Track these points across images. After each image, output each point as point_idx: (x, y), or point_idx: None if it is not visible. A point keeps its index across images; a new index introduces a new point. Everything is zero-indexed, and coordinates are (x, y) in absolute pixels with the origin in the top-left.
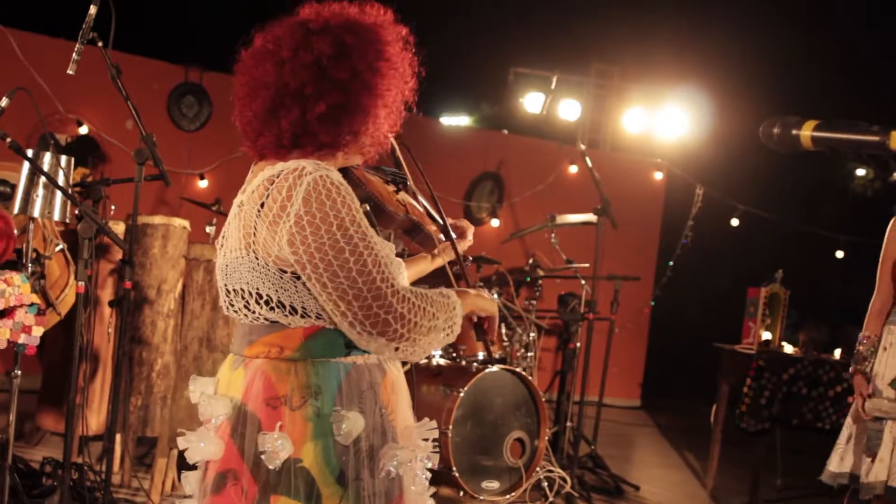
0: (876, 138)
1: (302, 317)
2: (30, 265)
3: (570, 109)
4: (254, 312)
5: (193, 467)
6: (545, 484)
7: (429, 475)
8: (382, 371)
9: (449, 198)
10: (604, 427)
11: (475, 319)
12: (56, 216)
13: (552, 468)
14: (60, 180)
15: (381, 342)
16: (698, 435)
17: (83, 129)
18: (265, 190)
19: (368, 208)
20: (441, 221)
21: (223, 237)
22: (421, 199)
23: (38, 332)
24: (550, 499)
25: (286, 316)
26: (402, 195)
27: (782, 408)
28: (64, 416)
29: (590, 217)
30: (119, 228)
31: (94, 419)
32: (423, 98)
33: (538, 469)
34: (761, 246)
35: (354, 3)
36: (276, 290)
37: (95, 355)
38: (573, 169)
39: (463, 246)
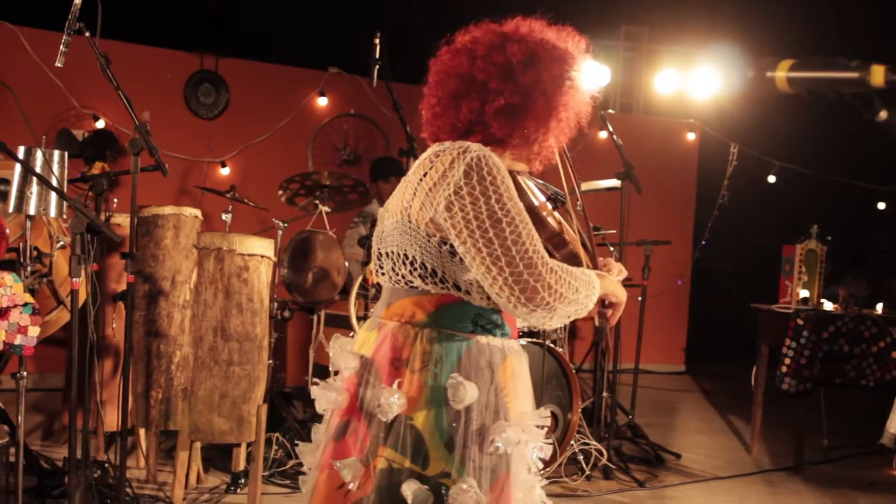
0: (855, 75)
1: (441, 281)
2: (29, 264)
3: (600, 74)
4: (398, 274)
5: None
6: (581, 457)
7: (541, 465)
8: (503, 355)
9: None
10: (646, 394)
11: (603, 304)
12: (52, 212)
13: (588, 441)
14: (55, 175)
15: (527, 307)
16: (743, 398)
17: (100, 124)
18: (429, 163)
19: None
20: (590, 249)
21: (385, 209)
22: (576, 225)
23: (34, 332)
24: (587, 472)
25: (426, 279)
26: (558, 214)
27: (824, 367)
28: (88, 412)
29: (614, 182)
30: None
31: (117, 415)
32: None
33: (573, 442)
34: (800, 201)
35: (554, 26)
36: (422, 253)
37: (116, 350)
38: (603, 135)
39: None
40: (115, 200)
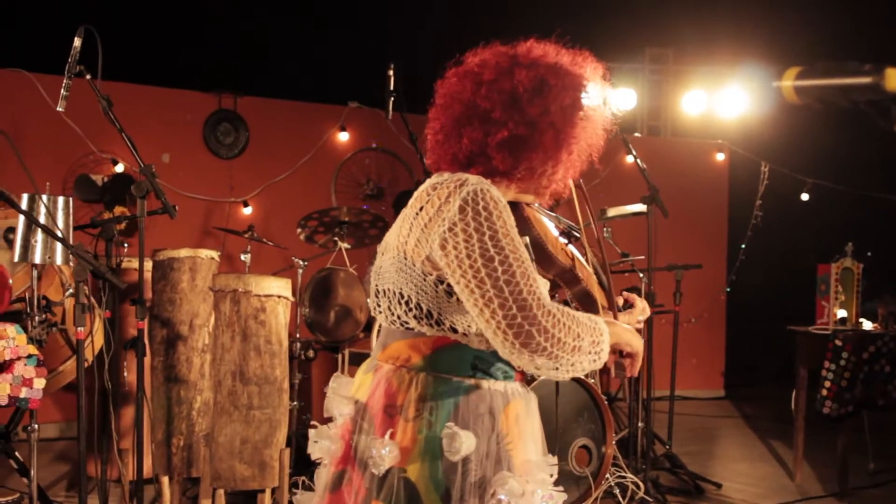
0: (868, 80)
1: (437, 323)
2: (37, 314)
3: (625, 98)
4: (394, 314)
5: None
6: (617, 491)
7: None
8: (505, 399)
9: None
10: (685, 421)
11: (621, 354)
12: (59, 260)
13: (624, 473)
14: (60, 222)
15: (524, 354)
16: (784, 423)
17: (119, 168)
18: (426, 196)
19: (528, 242)
20: (607, 286)
21: (384, 244)
22: (592, 262)
23: (39, 384)
24: None
25: (421, 320)
26: (571, 249)
27: (865, 388)
28: (106, 462)
29: (640, 207)
30: (146, 265)
31: (132, 463)
32: None
33: (608, 476)
34: (834, 218)
35: (570, 50)
36: (417, 293)
37: (135, 398)
38: (630, 159)
39: (628, 320)
40: (126, 245)
